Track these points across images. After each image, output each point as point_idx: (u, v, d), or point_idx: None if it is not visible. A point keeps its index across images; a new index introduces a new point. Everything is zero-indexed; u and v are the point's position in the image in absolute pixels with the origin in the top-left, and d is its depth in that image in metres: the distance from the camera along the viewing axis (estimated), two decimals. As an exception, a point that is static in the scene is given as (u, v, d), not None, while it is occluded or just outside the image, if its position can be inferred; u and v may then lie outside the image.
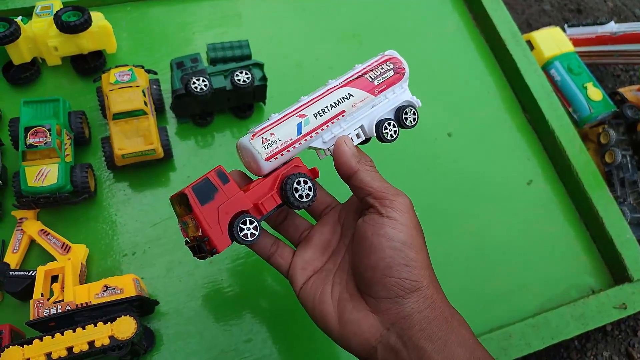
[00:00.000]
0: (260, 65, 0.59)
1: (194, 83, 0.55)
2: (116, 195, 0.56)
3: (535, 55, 0.71)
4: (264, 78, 0.59)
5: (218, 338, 0.50)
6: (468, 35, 0.76)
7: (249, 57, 0.60)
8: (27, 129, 0.49)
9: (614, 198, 0.66)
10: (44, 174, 0.49)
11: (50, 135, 0.49)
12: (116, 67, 0.55)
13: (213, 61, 0.58)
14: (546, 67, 0.71)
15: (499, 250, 0.61)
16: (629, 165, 0.66)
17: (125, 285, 0.45)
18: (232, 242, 0.36)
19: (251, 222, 0.36)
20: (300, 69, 0.67)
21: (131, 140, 0.53)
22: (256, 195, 0.37)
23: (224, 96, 0.58)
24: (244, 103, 0.61)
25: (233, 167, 0.58)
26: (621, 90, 0.73)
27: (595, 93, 0.67)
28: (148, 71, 0.58)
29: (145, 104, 0.53)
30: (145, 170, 0.57)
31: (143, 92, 0.54)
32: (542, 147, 0.68)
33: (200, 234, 0.36)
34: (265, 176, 0.39)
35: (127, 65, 0.56)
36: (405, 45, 0.72)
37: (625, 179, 0.66)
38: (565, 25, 0.80)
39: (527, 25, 0.85)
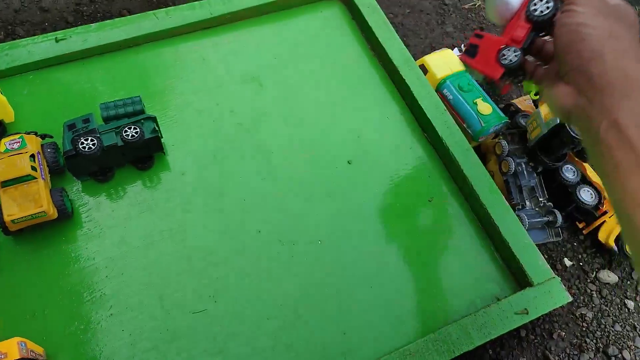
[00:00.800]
0: (152, 119, 0.62)
1: (82, 143, 0.57)
2: (17, 259, 0.57)
3: (429, 78, 0.75)
4: (154, 131, 0.61)
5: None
6: (368, 65, 0.79)
7: (141, 111, 0.62)
8: None
9: (513, 206, 0.69)
10: None
11: None
12: (7, 136, 0.58)
13: (106, 120, 0.61)
14: (439, 88, 0.74)
15: (403, 269, 0.63)
16: (525, 172, 0.69)
17: (9, 349, 0.46)
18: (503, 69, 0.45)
19: (510, 50, 0.44)
20: (201, 115, 0.70)
21: (21, 205, 0.55)
22: (508, 33, 0.45)
23: (118, 152, 0.61)
24: (141, 155, 0.63)
25: (133, 221, 0.60)
26: (514, 101, 0.76)
27: (485, 107, 0.70)
28: (42, 136, 0.61)
29: (34, 168, 0.56)
30: (45, 231, 0.59)
31: (32, 157, 0.56)
32: (442, 165, 0.71)
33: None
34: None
35: (18, 133, 0.58)
36: (308, 79, 0.75)
37: (523, 186, 0.69)
38: (462, 46, 0.84)
39: (431, 48, 0.89)
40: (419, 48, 0.89)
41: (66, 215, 0.58)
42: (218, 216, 0.63)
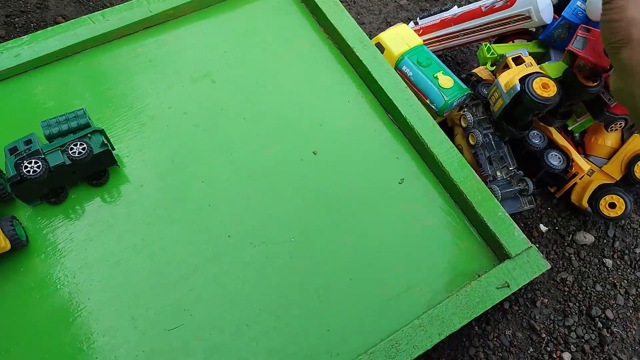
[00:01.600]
0: (100, 131, 0.58)
1: (25, 167, 0.53)
2: (-27, 298, 0.54)
3: (387, 56, 0.72)
4: (104, 144, 0.58)
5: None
6: (325, 48, 0.76)
7: (87, 125, 0.58)
8: None
9: (484, 178, 0.68)
10: None
11: None
12: (-56, 169, 0.54)
13: (49, 138, 0.57)
14: (398, 65, 0.72)
15: (381, 257, 0.61)
16: (492, 143, 0.68)
17: None
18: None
19: None
20: (153, 121, 0.66)
21: (-32, 241, 0.51)
22: None
23: (68, 170, 0.57)
24: (94, 170, 0.60)
25: (95, 240, 0.57)
26: (475, 70, 0.74)
27: (446, 80, 0.68)
28: (-18, 164, 0.57)
29: (-24, 200, 0.52)
30: (2, 263, 0.55)
31: (-27, 188, 0.52)
32: (410, 144, 0.69)
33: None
34: None
35: (-46, 165, 0.54)
36: (261, 70, 0.72)
37: (492, 156, 0.68)
38: (418, 19, 0.82)
39: (387, 24, 0.87)
40: (374, 25, 0.87)
41: (20, 245, 0.55)
42: (184, 225, 0.60)
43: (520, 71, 0.61)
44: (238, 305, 0.57)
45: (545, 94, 0.58)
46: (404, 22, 0.80)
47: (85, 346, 0.52)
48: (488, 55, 0.67)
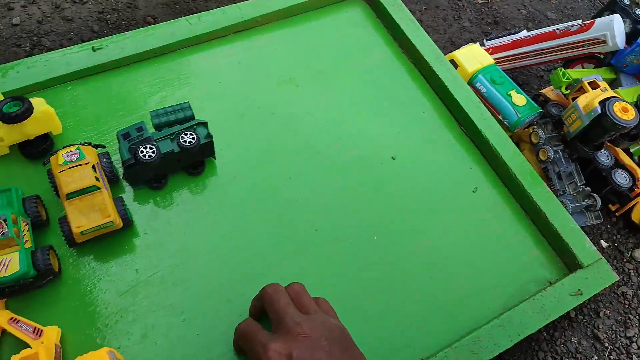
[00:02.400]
0: (204, 124, 0.62)
1: (141, 152, 0.57)
2: (81, 271, 0.57)
3: (460, 72, 0.77)
4: (209, 135, 0.61)
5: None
6: (397, 62, 0.81)
7: (192, 117, 0.62)
8: None
9: (554, 192, 0.71)
10: (5, 264, 0.50)
11: (6, 225, 0.50)
12: (63, 148, 0.57)
13: (157, 127, 0.61)
14: (471, 82, 0.76)
15: (454, 260, 0.64)
16: (562, 159, 0.71)
17: (100, 359, 0.46)
18: None
19: None
20: (243, 119, 0.70)
21: (88, 216, 0.54)
22: None
23: (174, 158, 0.61)
24: (195, 160, 0.63)
25: (191, 226, 0.60)
26: (543, 91, 0.78)
27: (519, 99, 0.72)
28: (96, 146, 0.60)
29: (97, 179, 0.55)
30: (107, 241, 0.58)
31: (93, 167, 0.56)
32: (481, 156, 0.73)
33: None
34: None
35: (73, 145, 0.57)
36: (340, 79, 0.77)
37: (561, 172, 0.71)
38: (484, 40, 0.86)
39: (451, 43, 0.91)
40: (440, 44, 0.91)
41: (129, 224, 0.58)
42: (273, 217, 0.63)
43: (597, 95, 0.66)
44: (324, 295, 0.59)
45: (625, 117, 0.62)
46: (466, 43, 0.85)
47: (186, 322, 0.55)
48: (563, 79, 0.71)
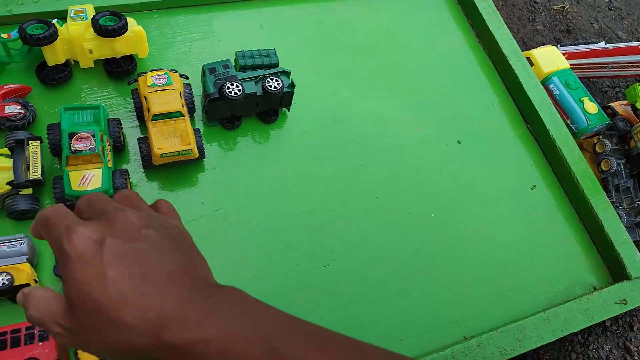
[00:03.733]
0: (287, 73, 0.62)
1: (228, 87, 0.57)
2: (150, 195, 0.57)
3: (535, 71, 0.77)
4: (292, 85, 0.62)
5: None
6: (471, 51, 0.81)
7: (276, 65, 0.63)
8: (71, 135, 0.51)
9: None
10: (88, 179, 0.51)
11: (94, 140, 0.51)
12: (152, 70, 0.58)
13: (242, 68, 0.61)
14: (545, 83, 0.77)
15: (506, 250, 0.65)
16: (623, 172, 0.72)
17: None
18: None
19: None
20: (319, 78, 0.71)
21: (169, 140, 0.55)
22: None
23: (254, 101, 0.61)
24: (271, 108, 0.64)
25: (258, 171, 0.61)
26: (612, 104, 0.79)
27: (592, 107, 0.73)
28: (180, 76, 0.60)
29: (183, 106, 0.56)
30: (176, 170, 0.59)
31: (180, 94, 0.56)
32: (543, 155, 0.73)
33: None
34: None
35: (162, 70, 0.58)
36: (414, 57, 0.77)
37: (620, 185, 0.72)
38: (558, 45, 0.86)
39: (523, 43, 0.91)
40: (512, 42, 0.91)
41: (203, 156, 0.58)
42: (337, 177, 0.64)
43: (672, 113, 0.66)
44: (378, 262, 0.60)
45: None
46: (538, 46, 0.85)
47: (245, 261, 0.56)
48: (640, 95, 0.71)
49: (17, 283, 0.45)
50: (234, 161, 0.62)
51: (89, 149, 0.50)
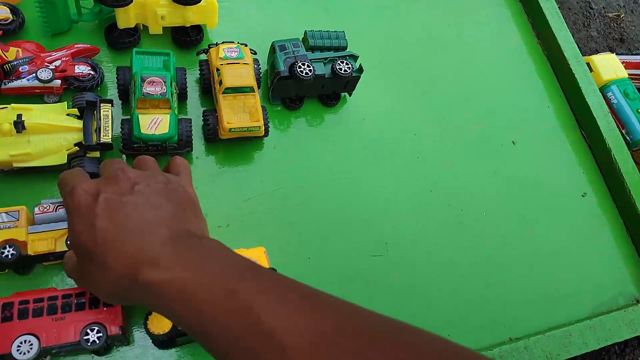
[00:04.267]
0: (355, 57, 0.62)
1: (299, 67, 0.57)
2: (210, 168, 0.57)
3: (593, 78, 0.76)
4: (360, 70, 0.61)
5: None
6: (528, 52, 0.80)
7: (345, 48, 0.62)
8: (143, 78, 0.50)
9: (657, 217, 0.72)
10: (157, 123, 0.50)
11: (165, 86, 0.50)
12: (224, 42, 0.57)
13: (311, 48, 0.60)
14: (603, 90, 0.76)
15: (554, 256, 0.65)
16: (674, 188, 0.72)
17: (259, 257, 0.47)
18: None
19: None
20: (381, 68, 0.70)
21: (238, 115, 0.54)
22: None
23: (320, 83, 0.60)
24: (335, 92, 0.63)
25: (317, 154, 0.60)
26: (667, 118, 0.78)
27: (649, 118, 0.72)
28: (252, 51, 0.60)
29: (254, 81, 0.55)
30: (235, 146, 0.59)
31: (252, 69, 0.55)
32: (595, 163, 0.73)
33: None
34: None
35: (234, 42, 0.57)
36: (474, 52, 0.76)
37: (669, 200, 0.72)
38: (615, 54, 0.85)
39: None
40: (567, 45, 0.90)
41: (267, 135, 0.58)
42: (393, 168, 0.64)
43: None
44: (431, 256, 0.60)
45: None
46: (592, 52, 0.84)
47: (301, 243, 0.56)
48: None
49: None
50: (294, 142, 0.61)
51: (160, 93, 0.50)
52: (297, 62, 0.57)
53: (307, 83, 0.57)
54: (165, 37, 0.61)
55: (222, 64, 0.55)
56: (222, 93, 0.54)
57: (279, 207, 0.57)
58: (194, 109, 0.59)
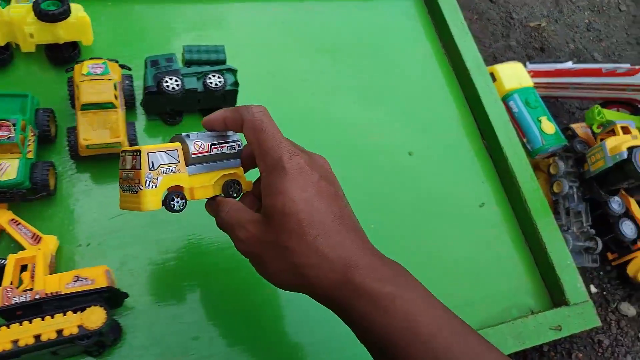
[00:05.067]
0: (233, 71, 0.61)
1: (166, 82, 0.56)
2: (77, 186, 0.56)
3: (497, 87, 0.76)
4: (235, 84, 0.60)
5: (165, 335, 0.51)
6: (436, 62, 0.80)
7: (223, 62, 0.61)
8: None
9: (558, 226, 0.71)
10: (3, 169, 0.49)
11: (14, 129, 0.49)
12: (90, 59, 0.56)
13: (188, 63, 0.60)
14: (505, 99, 0.75)
15: (449, 268, 0.64)
16: (575, 196, 0.71)
17: (97, 277, 0.46)
18: None
19: None
20: (272, 78, 0.69)
21: (97, 131, 0.54)
22: None
23: (195, 97, 0.60)
24: (214, 106, 0.62)
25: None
26: (573, 126, 0.78)
27: (549, 127, 0.71)
28: (122, 66, 0.59)
29: (116, 97, 0.54)
30: (108, 163, 0.58)
31: (114, 85, 0.55)
32: (495, 173, 0.72)
33: None
34: None
35: (101, 59, 0.57)
36: (376, 64, 0.75)
37: (571, 208, 0.71)
38: (527, 62, 0.85)
39: (493, 58, 0.90)
40: (482, 56, 0.90)
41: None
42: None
43: (626, 140, 0.65)
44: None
45: (649, 168, 0.61)
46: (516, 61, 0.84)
47: (163, 265, 0.55)
48: (597, 117, 0.70)
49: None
50: (172, 157, 0.60)
51: (7, 138, 0.49)
52: (165, 77, 0.56)
53: (176, 98, 0.57)
54: (40, 54, 0.61)
55: (82, 81, 0.54)
56: (81, 109, 0.53)
57: (147, 225, 0.56)
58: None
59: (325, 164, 0.40)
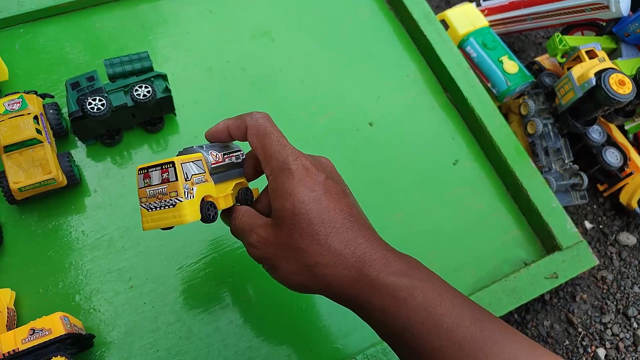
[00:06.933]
0: (163, 77, 0.57)
1: (89, 104, 0.52)
2: (24, 231, 0.53)
3: (451, 34, 0.71)
4: (167, 89, 0.56)
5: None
6: (385, 20, 0.75)
7: (150, 69, 0.57)
8: None
9: (539, 168, 0.67)
10: None
11: None
12: (5, 95, 0.52)
13: (112, 77, 0.56)
14: (462, 45, 0.71)
15: (430, 236, 0.61)
16: (551, 133, 0.67)
17: (53, 325, 0.43)
18: None
19: None
20: (210, 74, 0.65)
21: (28, 171, 0.50)
22: None
23: (128, 113, 0.56)
24: (151, 117, 0.59)
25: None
26: (538, 59, 0.73)
27: (511, 66, 0.67)
28: (43, 95, 0.55)
29: (39, 131, 0.51)
30: (52, 199, 0.55)
31: (35, 119, 0.51)
32: (465, 126, 0.68)
33: None
34: None
35: (17, 93, 0.53)
36: (320, 36, 0.71)
37: (549, 147, 0.67)
38: (481, 0, 0.80)
39: (446, 2, 0.85)
40: (434, 2, 0.85)
41: (75, 182, 0.54)
42: (236, 182, 0.59)
43: (593, 65, 0.60)
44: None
45: (621, 91, 0.57)
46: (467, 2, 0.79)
47: (134, 289, 0.52)
48: (559, 47, 0.65)
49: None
50: (118, 180, 0.57)
51: None
52: (87, 98, 0.52)
53: (103, 119, 0.53)
54: (-43, 100, 0.57)
55: (1, 120, 0.50)
56: (5, 152, 0.50)
57: (103, 255, 0.53)
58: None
59: (329, 164, 0.41)
